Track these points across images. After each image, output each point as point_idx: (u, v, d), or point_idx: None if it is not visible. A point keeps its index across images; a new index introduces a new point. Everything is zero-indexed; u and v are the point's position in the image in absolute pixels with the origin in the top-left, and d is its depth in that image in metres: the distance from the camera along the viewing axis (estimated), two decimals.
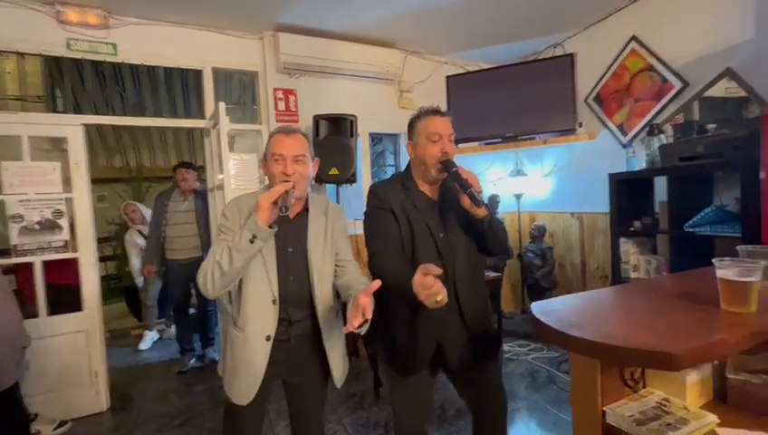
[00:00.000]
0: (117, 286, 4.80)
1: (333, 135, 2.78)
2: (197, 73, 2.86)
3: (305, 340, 1.33)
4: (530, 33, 3.15)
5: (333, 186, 2.89)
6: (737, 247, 1.06)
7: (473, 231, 1.31)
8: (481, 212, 1.22)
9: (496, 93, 3.25)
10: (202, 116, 2.88)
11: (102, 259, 4.39)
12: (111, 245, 5.06)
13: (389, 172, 3.71)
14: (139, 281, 3.73)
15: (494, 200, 3.43)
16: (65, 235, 2.40)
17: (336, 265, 1.38)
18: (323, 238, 1.34)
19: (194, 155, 5.69)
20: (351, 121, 2.78)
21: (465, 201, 1.22)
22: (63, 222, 2.38)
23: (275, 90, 2.91)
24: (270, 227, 1.15)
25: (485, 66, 3.62)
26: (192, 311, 3.34)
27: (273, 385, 1.37)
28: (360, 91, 3.22)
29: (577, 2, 2.70)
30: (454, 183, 1.24)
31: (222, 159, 2.11)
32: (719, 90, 2.30)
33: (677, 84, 2.48)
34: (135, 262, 3.74)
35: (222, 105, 2.13)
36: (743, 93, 2.20)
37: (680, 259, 2.17)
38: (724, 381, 0.97)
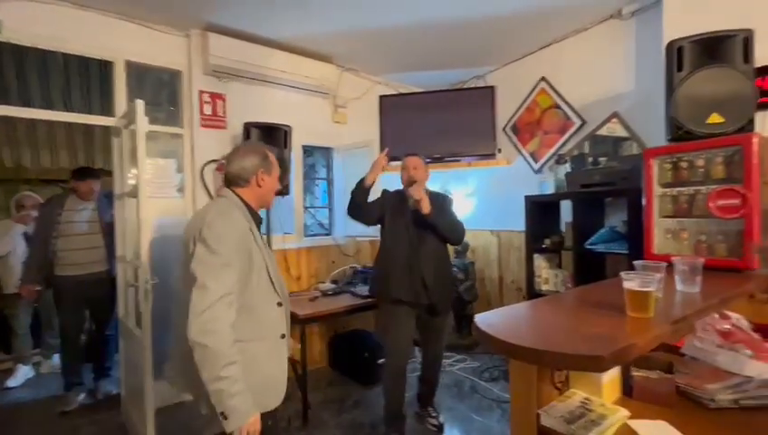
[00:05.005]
0: None
1: (265, 145, 2.66)
2: (106, 65, 2.53)
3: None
4: (457, 63, 3.42)
5: None
6: (634, 262, 1.24)
7: (430, 224, 2.05)
8: (422, 209, 1.99)
9: (426, 116, 3.44)
10: (108, 113, 2.55)
11: None
12: None
13: (322, 186, 3.66)
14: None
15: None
16: None
17: None
18: None
19: (91, 156, 4.97)
20: (286, 132, 2.70)
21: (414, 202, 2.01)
22: None
23: (201, 92, 2.71)
24: None
25: (416, 90, 3.82)
26: (83, 337, 2.85)
27: None
28: (294, 103, 3.16)
29: (496, 42, 3.02)
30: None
31: (138, 164, 1.87)
32: (603, 129, 2.75)
33: (577, 122, 2.89)
34: None
35: (140, 103, 1.90)
36: (619, 134, 2.65)
37: (581, 273, 2.48)
38: (628, 378, 1.12)
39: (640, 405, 1.04)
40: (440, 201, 2.16)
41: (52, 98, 3.63)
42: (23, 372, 3.11)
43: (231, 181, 1.33)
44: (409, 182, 2.10)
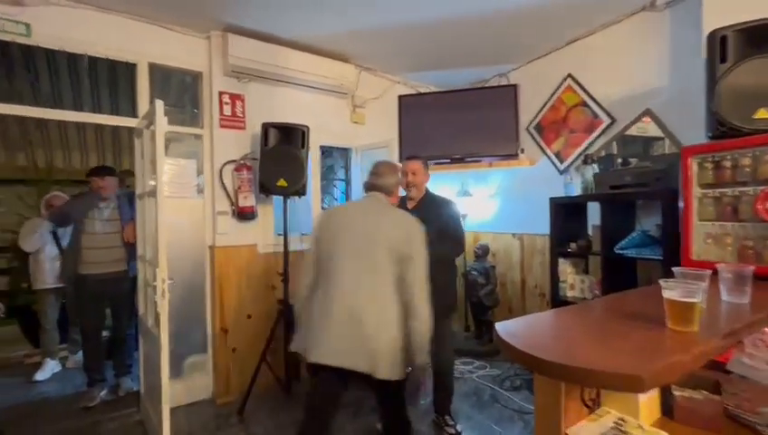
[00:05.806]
0: (8, 306, 4.04)
1: (283, 145, 2.65)
2: (130, 67, 2.58)
3: None
4: (478, 61, 3.32)
5: (280, 198, 2.74)
6: (673, 269, 1.14)
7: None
8: None
9: (446, 115, 3.37)
10: (132, 114, 2.59)
11: None
12: (6, 257, 4.30)
13: (340, 186, 3.63)
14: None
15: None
16: None
17: None
18: None
19: (119, 157, 5.13)
20: (303, 132, 2.68)
21: None
22: None
23: (221, 93, 2.72)
24: None
25: (436, 89, 3.75)
26: (105, 334, 2.91)
27: None
28: (313, 103, 3.14)
29: (520, 39, 2.91)
30: None
31: (157, 164, 1.88)
32: (633, 128, 2.60)
33: (606, 120, 2.75)
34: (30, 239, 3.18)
35: (159, 103, 1.91)
36: (650, 134, 2.50)
37: (610, 279, 2.35)
38: (668, 397, 1.02)
39: (682, 428, 0.94)
40: (438, 210, 2.20)
41: (81, 99, 3.77)
42: (50, 367, 3.21)
43: (376, 189, 1.70)
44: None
